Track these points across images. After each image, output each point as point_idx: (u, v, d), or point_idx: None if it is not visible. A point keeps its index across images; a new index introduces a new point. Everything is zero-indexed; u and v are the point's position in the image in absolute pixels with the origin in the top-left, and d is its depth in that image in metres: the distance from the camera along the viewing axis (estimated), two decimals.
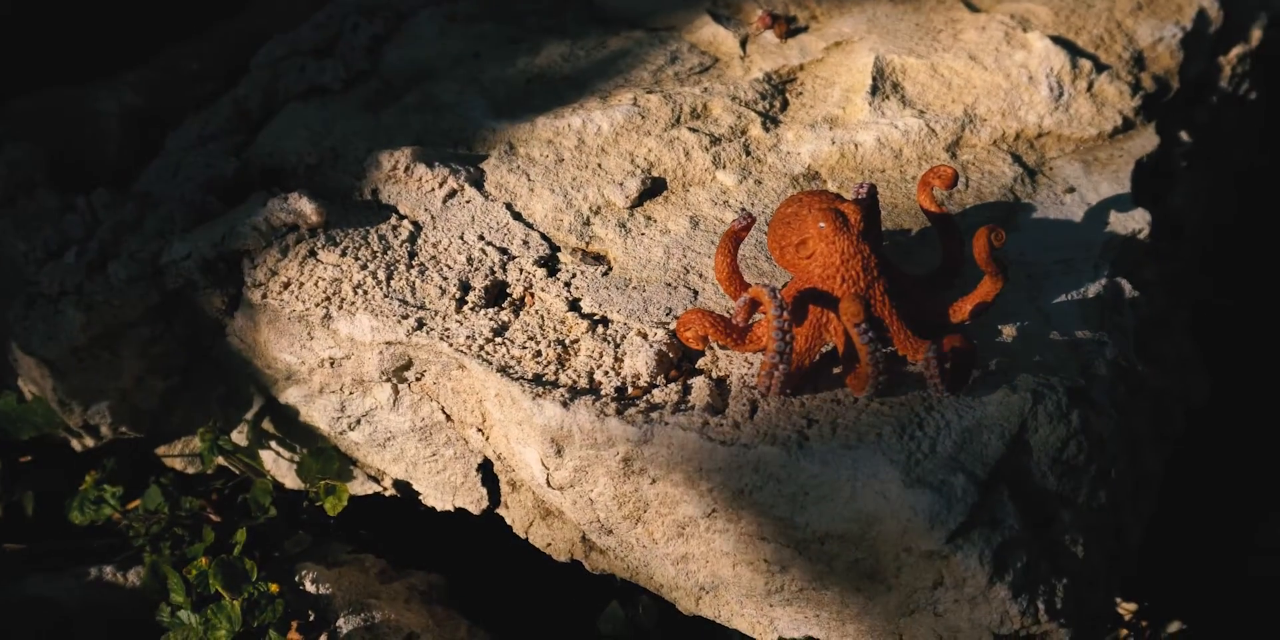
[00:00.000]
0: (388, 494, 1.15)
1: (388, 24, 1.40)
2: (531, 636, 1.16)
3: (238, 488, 1.20)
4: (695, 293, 1.07)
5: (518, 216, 1.15)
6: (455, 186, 1.17)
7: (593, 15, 1.42)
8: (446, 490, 1.11)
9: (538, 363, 1.01)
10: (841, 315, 0.91)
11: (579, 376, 1.00)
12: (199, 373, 1.18)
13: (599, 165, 1.20)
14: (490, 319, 1.05)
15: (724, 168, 1.19)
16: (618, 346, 1.02)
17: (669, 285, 1.07)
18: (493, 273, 1.10)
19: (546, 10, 1.43)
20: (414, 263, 1.11)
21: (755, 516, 0.92)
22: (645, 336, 1.02)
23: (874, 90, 1.24)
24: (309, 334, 1.09)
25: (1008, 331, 1.01)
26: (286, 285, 1.10)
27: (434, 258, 1.11)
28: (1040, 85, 1.24)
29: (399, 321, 1.05)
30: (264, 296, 1.10)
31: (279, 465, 1.17)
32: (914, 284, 1.00)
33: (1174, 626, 1.18)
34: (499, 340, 1.03)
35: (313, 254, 1.12)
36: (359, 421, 1.11)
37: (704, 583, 0.98)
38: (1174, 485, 1.13)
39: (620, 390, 0.98)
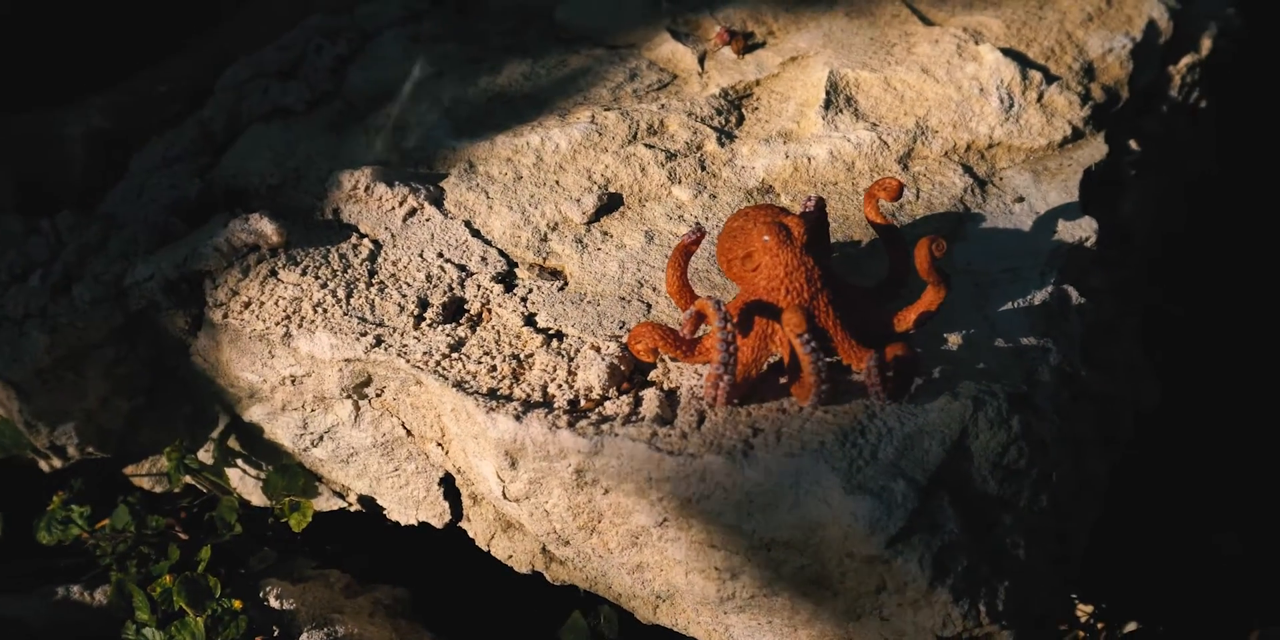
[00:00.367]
0: (353, 509, 1.17)
1: (351, 45, 1.42)
2: None
3: (205, 506, 1.21)
4: (649, 306, 1.08)
5: (476, 234, 1.17)
6: (415, 205, 1.19)
7: (555, 34, 1.44)
8: (409, 505, 1.12)
9: (493, 377, 1.03)
10: (785, 326, 0.93)
11: (533, 390, 1.01)
12: (164, 392, 1.19)
13: (557, 182, 1.21)
14: (447, 335, 1.07)
15: (679, 183, 1.20)
16: (571, 360, 1.04)
17: (623, 299, 1.09)
18: (451, 289, 1.11)
19: (510, 30, 1.45)
20: (373, 281, 1.13)
21: (704, 525, 0.93)
22: (599, 350, 1.04)
23: (828, 104, 1.26)
24: (270, 352, 1.11)
25: (953, 339, 1.02)
26: (247, 305, 1.12)
27: (393, 275, 1.13)
28: (991, 97, 1.26)
29: (358, 339, 1.07)
30: (225, 316, 1.12)
31: (245, 483, 1.19)
32: (860, 295, 1.01)
33: (1130, 627, 1.20)
34: (455, 356, 1.05)
35: (273, 274, 1.13)
36: (321, 438, 1.12)
37: (660, 591, 1.00)
38: (1129, 488, 1.14)
39: (573, 403, 1.00)
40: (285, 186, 1.24)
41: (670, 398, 0.99)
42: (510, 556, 1.09)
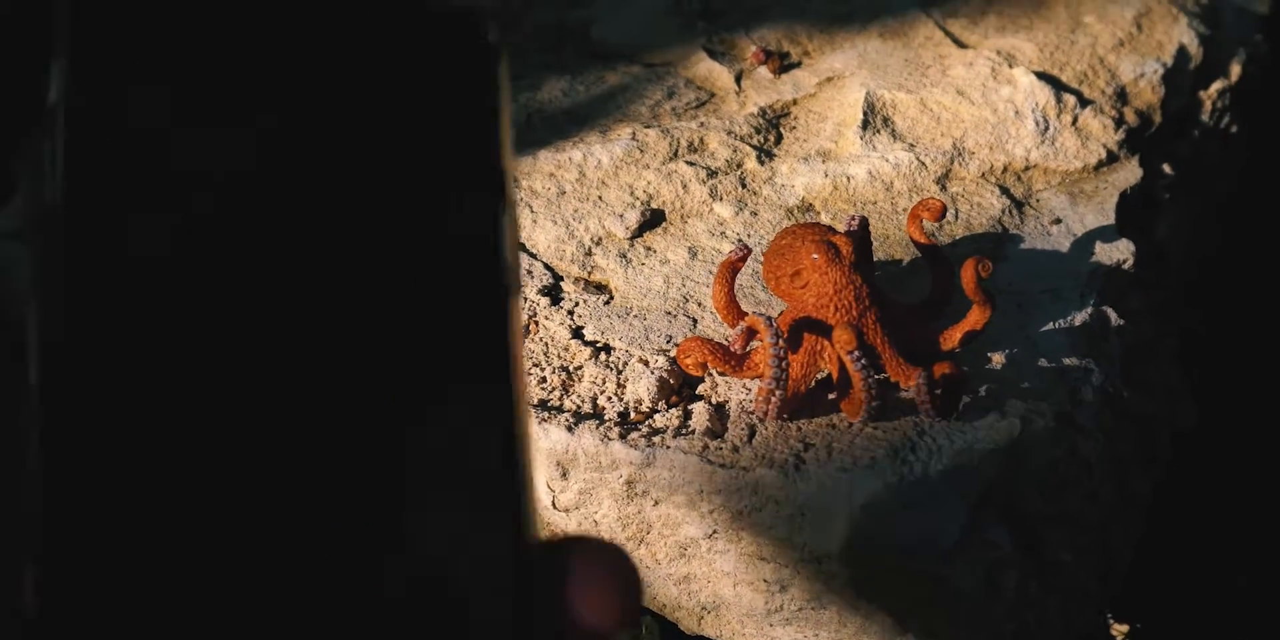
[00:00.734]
0: None
1: None
2: None
3: None
4: (694, 321, 1.10)
5: (521, 247, 1.18)
6: None
7: (591, 51, 1.46)
8: None
9: (543, 389, 1.04)
10: (835, 343, 0.95)
11: (583, 402, 1.03)
12: None
13: (600, 197, 1.23)
14: None
15: (721, 200, 1.22)
16: (620, 373, 1.05)
17: (669, 314, 1.11)
18: None
19: (547, 47, 1.47)
20: None
21: (754, 537, 0.95)
22: (646, 363, 1.05)
23: (865, 124, 1.28)
24: None
25: (997, 359, 1.04)
26: None
27: None
28: (1026, 119, 1.28)
29: None
30: None
31: None
32: (905, 313, 1.03)
33: None
34: None
35: None
36: None
37: (705, 603, 1.01)
38: (1165, 508, 1.16)
39: (623, 415, 1.01)
40: None
41: (720, 412, 1.01)
42: None
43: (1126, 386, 1.06)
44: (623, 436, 0.98)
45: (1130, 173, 1.25)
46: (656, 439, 0.98)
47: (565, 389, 1.04)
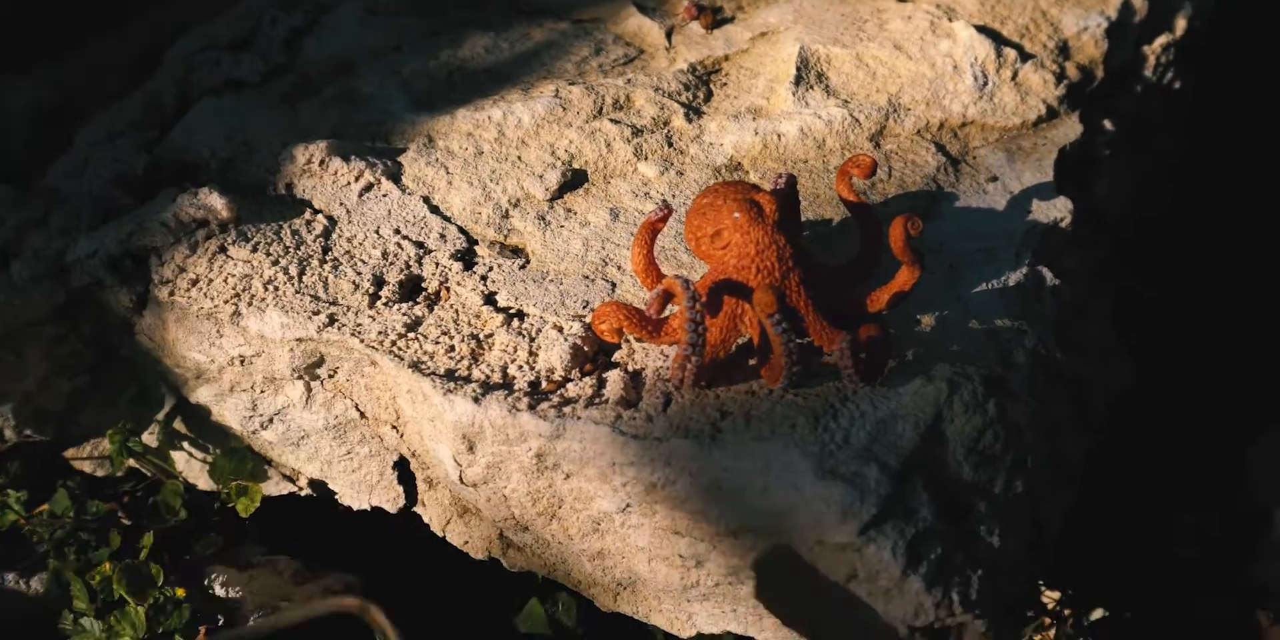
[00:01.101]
0: (303, 494, 1.13)
1: (307, 17, 1.37)
2: (450, 636, 1.13)
3: (149, 490, 1.17)
4: (613, 285, 1.05)
5: (435, 210, 1.13)
6: (371, 180, 1.15)
7: (517, 7, 1.40)
8: (362, 489, 1.08)
9: (450, 358, 0.99)
10: (755, 306, 0.90)
11: (492, 371, 0.98)
12: (107, 372, 1.14)
13: (519, 157, 1.18)
14: (404, 314, 1.03)
15: (646, 159, 1.17)
16: (533, 340, 1.00)
17: (587, 278, 1.06)
18: (408, 267, 1.07)
19: (470, 3, 1.41)
20: (327, 258, 1.08)
21: (669, 511, 0.90)
22: (561, 330, 1.00)
23: (798, 80, 1.23)
24: (218, 331, 1.06)
25: (927, 321, 0.99)
26: (195, 282, 1.07)
27: (348, 253, 1.09)
28: (965, 74, 1.23)
29: (310, 318, 1.03)
30: (171, 294, 1.07)
31: (192, 466, 1.15)
32: (832, 274, 0.98)
33: (1097, 614, 1.18)
34: (412, 335, 1.01)
35: (223, 250, 1.09)
36: (271, 420, 1.08)
37: (621, 578, 0.97)
38: (1097, 472, 1.12)
39: (534, 385, 0.96)
40: (236, 160, 1.20)
41: (635, 380, 0.96)
42: (466, 542, 1.06)
43: (1061, 348, 1.02)
44: (532, 407, 0.93)
45: (1070, 129, 1.20)
46: (568, 409, 0.93)
47: (474, 358, 0.99)
